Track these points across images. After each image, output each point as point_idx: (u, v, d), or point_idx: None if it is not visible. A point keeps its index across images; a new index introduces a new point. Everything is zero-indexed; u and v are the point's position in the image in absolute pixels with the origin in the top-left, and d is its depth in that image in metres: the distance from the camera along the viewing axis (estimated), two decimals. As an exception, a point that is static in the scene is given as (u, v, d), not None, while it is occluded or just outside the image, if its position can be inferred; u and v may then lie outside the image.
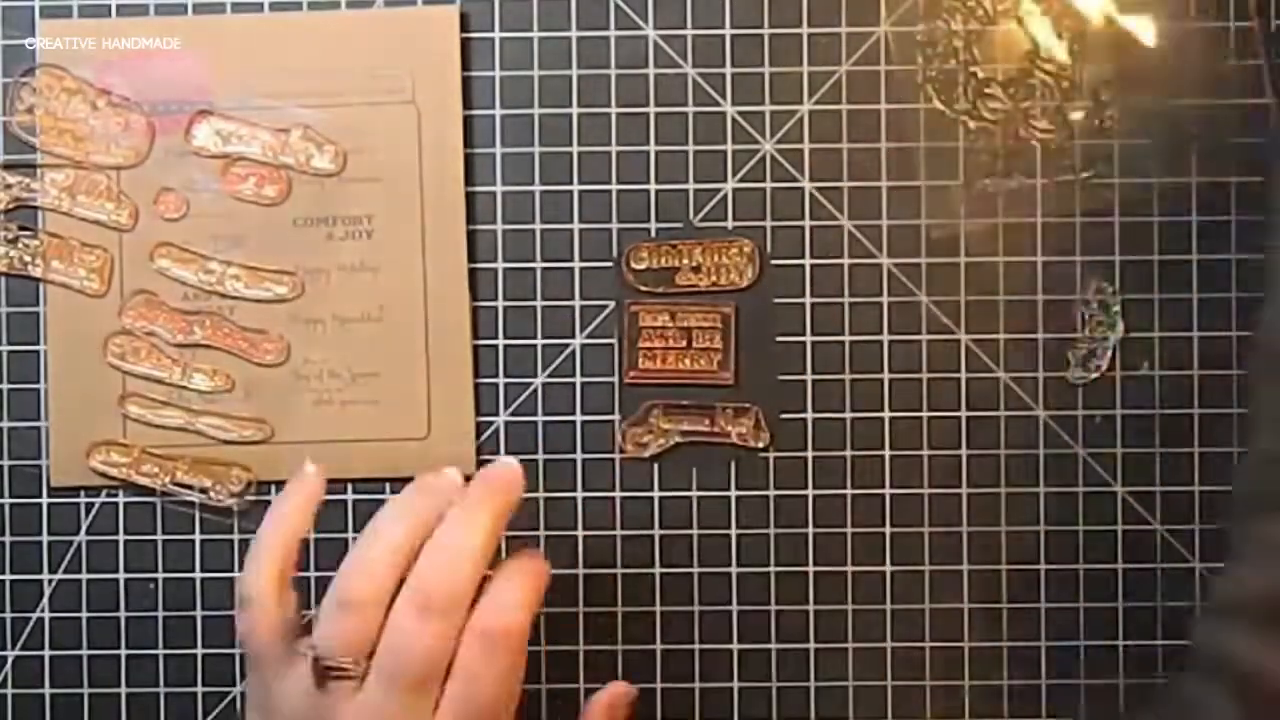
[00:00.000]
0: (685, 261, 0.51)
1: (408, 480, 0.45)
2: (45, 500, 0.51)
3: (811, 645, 0.51)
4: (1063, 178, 0.51)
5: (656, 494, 0.51)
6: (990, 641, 0.51)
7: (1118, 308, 0.51)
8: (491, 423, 0.51)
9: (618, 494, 0.51)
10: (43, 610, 0.51)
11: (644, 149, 0.51)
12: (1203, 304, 0.51)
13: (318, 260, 0.51)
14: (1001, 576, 0.51)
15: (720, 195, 0.51)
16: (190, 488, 0.51)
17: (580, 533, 0.51)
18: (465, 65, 0.51)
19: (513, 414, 0.51)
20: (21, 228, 0.51)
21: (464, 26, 0.51)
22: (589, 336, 0.51)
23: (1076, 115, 0.51)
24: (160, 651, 0.51)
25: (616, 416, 0.51)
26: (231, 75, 0.51)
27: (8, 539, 0.51)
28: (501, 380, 0.51)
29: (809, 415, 0.51)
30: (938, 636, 0.51)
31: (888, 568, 0.51)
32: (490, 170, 0.51)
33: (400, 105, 0.51)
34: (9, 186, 0.51)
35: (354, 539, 0.43)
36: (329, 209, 0.51)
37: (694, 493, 0.51)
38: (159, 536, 0.51)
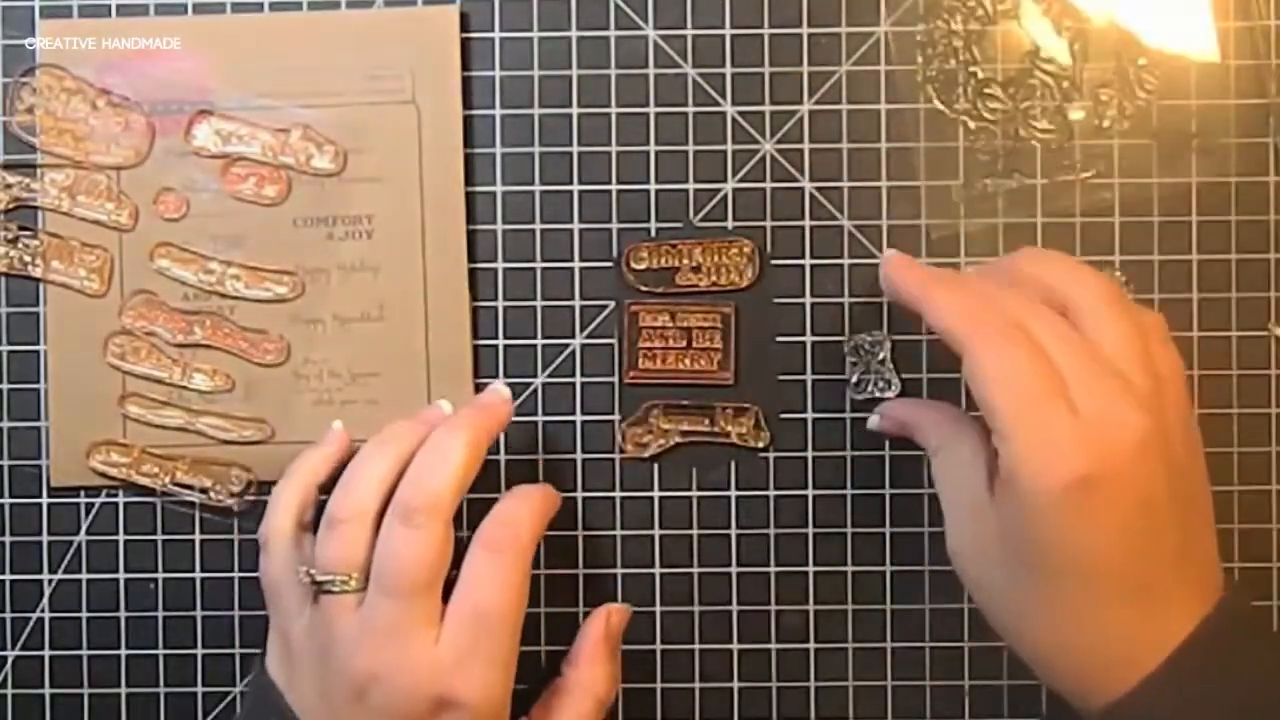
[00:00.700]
0: (685, 261, 0.51)
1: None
2: (45, 500, 0.51)
3: (811, 645, 0.51)
4: (1063, 178, 0.51)
5: (656, 494, 0.51)
6: (990, 642, 0.51)
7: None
8: (491, 423, 0.51)
9: (618, 494, 0.51)
10: (43, 610, 0.51)
11: (644, 149, 0.51)
12: (1203, 304, 0.51)
13: (318, 260, 0.51)
14: (1001, 576, 0.51)
15: (720, 195, 0.51)
16: (190, 488, 0.51)
17: (580, 533, 0.51)
18: (465, 65, 0.51)
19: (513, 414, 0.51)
20: (21, 228, 0.51)
21: (464, 26, 0.51)
22: (589, 336, 0.51)
23: (1076, 115, 0.51)
24: (160, 651, 0.51)
25: (616, 416, 0.51)
26: (231, 75, 0.51)
27: (8, 539, 0.51)
28: (502, 380, 0.51)
29: (809, 415, 0.51)
30: (938, 636, 0.51)
31: (888, 568, 0.51)
32: (490, 170, 0.51)
33: (400, 105, 0.51)
34: (9, 186, 0.51)
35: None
36: (329, 209, 0.51)
37: (694, 493, 0.51)
38: (159, 536, 0.51)
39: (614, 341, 0.51)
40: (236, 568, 0.51)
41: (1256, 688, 0.40)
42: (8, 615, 0.51)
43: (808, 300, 0.51)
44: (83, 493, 0.51)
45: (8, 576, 0.52)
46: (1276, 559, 0.51)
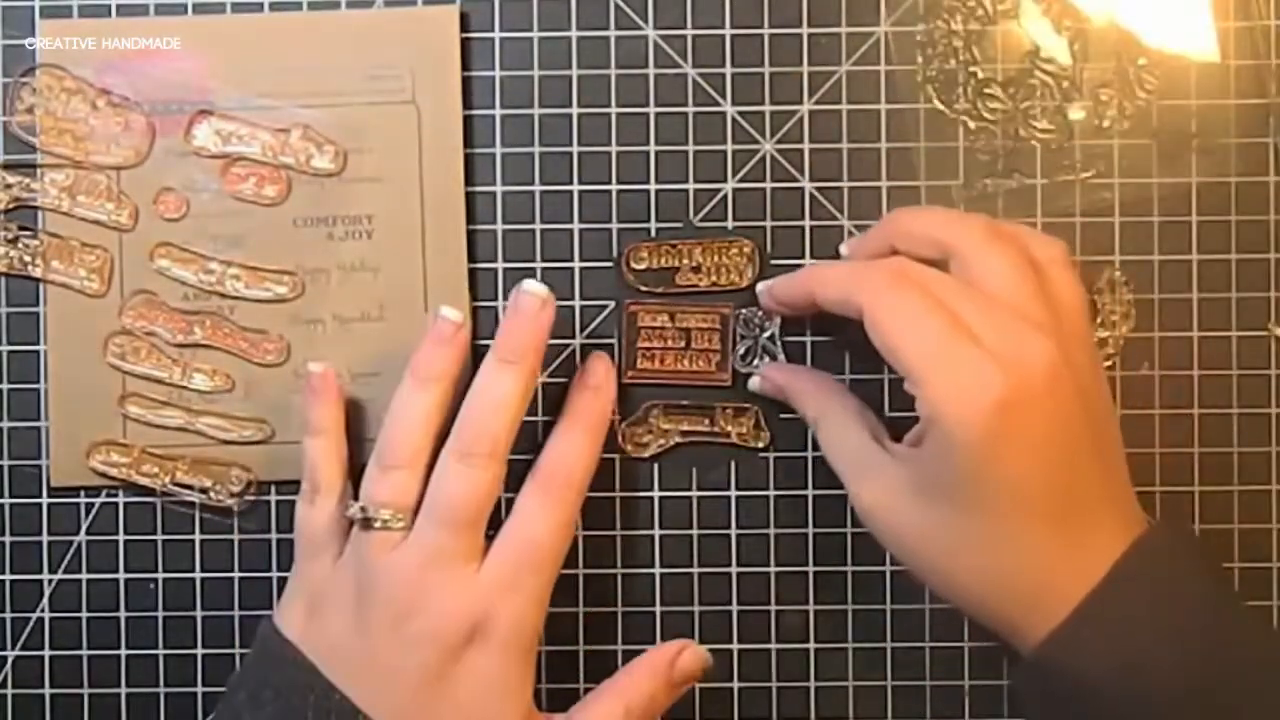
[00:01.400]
0: (685, 261, 0.51)
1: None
2: (45, 500, 0.51)
3: (811, 645, 0.51)
4: (1063, 178, 0.51)
5: (656, 494, 0.51)
6: (990, 641, 0.51)
7: (1118, 308, 0.51)
8: (491, 423, 0.51)
9: (618, 494, 0.51)
10: (43, 610, 0.51)
11: (644, 149, 0.51)
12: (1203, 304, 0.51)
13: (318, 260, 0.51)
14: (1001, 576, 0.51)
15: (720, 195, 0.51)
16: (190, 488, 0.51)
17: (580, 533, 0.51)
18: (465, 65, 0.51)
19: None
20: (21, 228, 0.51)
21: (464, 26, 0.51)
22: (589, 336, 0.51)
23: (1076, 115, 0.51)
24: (160, 651, 0.51)
25: (616, 417, 0.51)
26: (231, 75, 0.51)
27: (8, 539, 0.51)
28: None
29: (809, 415, 0.51)
30: (938, 637, 0.51)
31: (887, 568, 0.51)
32: (490, 170, 0.51)
33: (400, 105, 0.51)
34: (9, 186, 0.51)
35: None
36: (329, 209, 0.51)
37: (694, 493, 0.51)
38: (159, 536, 0.51)
39: (614, 341, 0.51)
40: (236, 568, 0.51)
41: (1190, 613, 0.41)
42: (8, 615, 0.51)
43: (808, 300, 0.51)
44: (83, 493, 0.51)
45: (8, 576, 0.52)
46: (1276, 559, 0.51)
